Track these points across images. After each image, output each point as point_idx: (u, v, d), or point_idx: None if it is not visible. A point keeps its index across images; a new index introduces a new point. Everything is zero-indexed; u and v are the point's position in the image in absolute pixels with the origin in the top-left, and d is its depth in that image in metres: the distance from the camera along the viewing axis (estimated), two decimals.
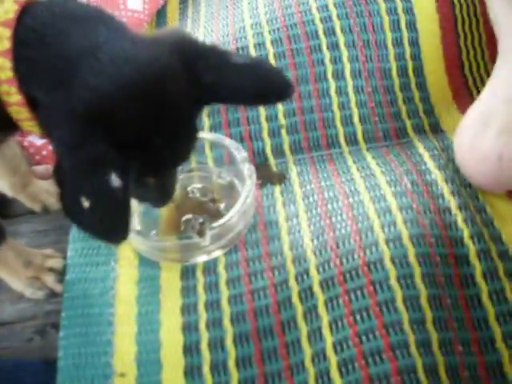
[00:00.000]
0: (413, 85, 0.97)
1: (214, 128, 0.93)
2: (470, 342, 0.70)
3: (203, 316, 0.75)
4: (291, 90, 0.64)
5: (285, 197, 0.87)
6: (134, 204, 0.84)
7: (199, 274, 0.79)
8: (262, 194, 0.88)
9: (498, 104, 0.83)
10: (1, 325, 0.81)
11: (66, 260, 0.83)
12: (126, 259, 0.82)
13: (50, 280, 0.82)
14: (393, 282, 0.71)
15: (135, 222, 0.84)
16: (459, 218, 0.79)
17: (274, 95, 0.65)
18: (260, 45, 0.98)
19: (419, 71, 0.98)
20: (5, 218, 0.93)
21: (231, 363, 0.71)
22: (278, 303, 0.75)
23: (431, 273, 0.73)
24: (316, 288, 0.74)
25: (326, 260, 0.76)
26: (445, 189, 0.83)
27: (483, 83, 0.94)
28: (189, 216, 0.83)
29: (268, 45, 0.97)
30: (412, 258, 0.73)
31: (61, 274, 0.82)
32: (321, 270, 0.75)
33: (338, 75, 0.96)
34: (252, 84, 0.63)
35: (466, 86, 1.01)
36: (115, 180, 0.55)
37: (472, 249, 0.76)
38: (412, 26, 0.98)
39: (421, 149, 0.91)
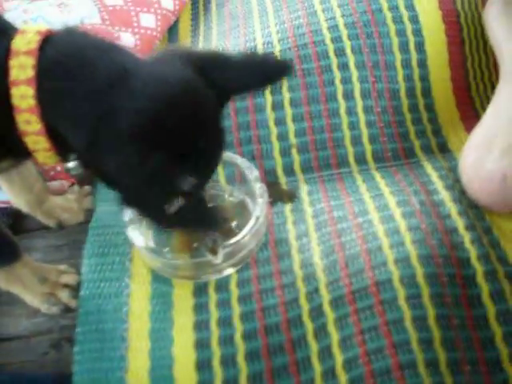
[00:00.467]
0: (421, 106, 0.99)
1: (225, 146, 0.94)
2: (478, 362, 0.71)
3: (215, 333, 0.77)
4: (290, 64, 0.70)
5: (295, 215, 0.88)
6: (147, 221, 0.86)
7: (211, 291, 0.81)
8: (272, 212, 0.89)
9: (501, 125, 0.85)
10: (17, 339, 0.83)
11: (81, 276, 0.85)
12: (139, 275, 0.84)
13: (64, 296, 0.83)
14: (401, 302, 0.73)
15: (148, 239, 0.86)
16: (466, 239, 0.80)
17: (277, 73, 0.68)
18: None
19: (427, 92, 0.99)
20: (20, 232, 0.95)
21: (243, 380, 0.73)
22: (289, 321, 0.76)
23: (439, 293, 0.74)
24: (326, 307, 0.75)
25: (336, 279, 0.77)
26: (452, 209, 0.84)
27: None
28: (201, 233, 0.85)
29: None
30: (420, 279, 0.75)
31: (75, 289, 0.84)
32: (330, 289, 0.77)
33: (348, 95, 0.98)
34: (256, 71, 0.67)
35: (473, 107, 1.02)
36: (189, 180, 0.60)
37: (479, 270, 0.77)
38: (420, 47, 1.00)
39: (429, 169, 0.93)
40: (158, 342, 0.77)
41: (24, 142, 0.63)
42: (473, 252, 0.79)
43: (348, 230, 0.83)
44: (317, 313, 0.76)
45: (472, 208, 0.86)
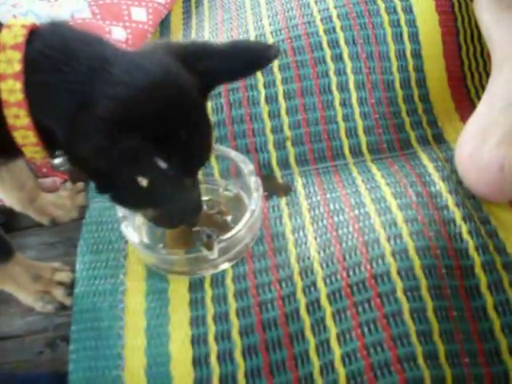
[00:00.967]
0: (416, 96, 0.99)
1: (219, 140, 0.94)
2: (477, 354, 0.70)
3: (212, 328, 0.76)
4: (274, 48, 0.68)
5: (291, 209, 0.88)
6: (141, 217, 0.85)
7: (207, 286, 0.80)
8: (268, 206, 0.88)
9: (496, 115, 0.85)
10: (11, 338, 0.82)
11: (75, 273, 0.84)
12: (134, 272, 0.83)
13: (59, 294, 0.82)
14: (399, 294, 0.72)
15: (143, 235, 0.85)
16: (464, 230, 0.80)
17: (262, 59, 0.68)
18: None
19: (422, 83, 0.99)
20: (13, 230, 0.94)
21: (240, 375, 0.72)
22: (286, 315, 0.75)
23: (437, 285, 0.74)
24: (323, 300, 0.75)
25: (333, 272, 0.77)
26: (449, 200, 0.84)
27: None
28: (196, 228, 0.84)
29: None
30: (418, 271, 0.74)
31: (70, 287, 0.83)
32: (328, 282, 0.76)
33: (343, 87, 0.97)
34: (239, 57, 0.68)
35: (469, 96, 1.02)
36: (161, 163, 0.59)
37: (477, 260, 0.77)
38: (415, 38, 0.99)
39: (425, 160, 0.92)
40: (154, 339, 0.76)
41: (13, 137, 0.63)
42: (471, 243, 0.78)
43: (345, 222, 0.83)
44: (314, 307, 0.75)
45: (469, 198, 0.85)
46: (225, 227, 0.83)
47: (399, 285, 0.73)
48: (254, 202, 0.82)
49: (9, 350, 0.82)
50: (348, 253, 0.78)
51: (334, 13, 1.01)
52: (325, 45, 0.99)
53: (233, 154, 0.89)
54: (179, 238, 0.83)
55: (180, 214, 0.73)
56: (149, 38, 1.12)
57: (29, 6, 1.04)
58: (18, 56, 0.60)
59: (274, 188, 0.91)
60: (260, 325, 0.75)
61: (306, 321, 0.74)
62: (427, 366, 0.67)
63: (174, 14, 1.21)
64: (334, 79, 0.97)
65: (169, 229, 0.83)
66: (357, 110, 0.96)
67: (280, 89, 0.97)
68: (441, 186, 0.86)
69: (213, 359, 0.73)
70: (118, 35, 1.06)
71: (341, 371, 0.69)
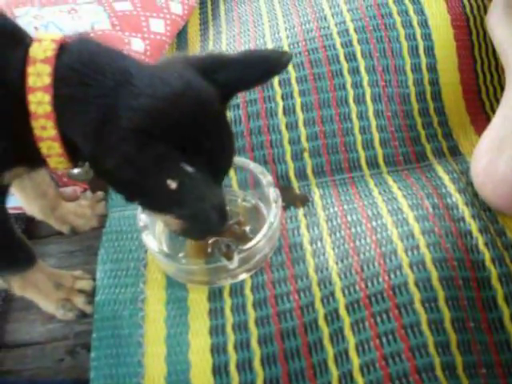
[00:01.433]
0: (431, 110, 1.00)
1: (238, 151, 0.95)
2: (494, 365, 0.71)
3: (231, 337, 0.77)
4: (287, 54, 0.71)
5: (308, 219, 0.89)
6: (161, 226, 0.87)
7: (226, 295, 0.81)
8: (286, 217, 0.90)
9: (510, 128, 0.85)
10: (32, 345, 0.83)
11: (96, 281, 0.85)
12: (154, 281, 0.84)
13: (80, 301, 0.83)
14: (417, 305, 0.73)
15: (163, 245, 0.86)
16: (480, 242, 0.80)
17: (276, 65, 0.71)
18: None
19: (437, 96, 1.00)
20: (33, 238, 0.95)
21: None
22: (305, 325, 0.76)
23: (454, 296, 0.74)
24: (342, 311, 0.76)
25: (352, 283, 0.77)
26: (465, 212, 0.84)
27: None
28: (215, 238, 0.85)
29: (290, 69, 0.99)
30: (435, 282, 0.75)
31: (91, 295, 0.84)
32: (346, 292, 0.77)
33: (359, 100, 0.98)
34: (255, 66, 0.70)
35: (483, 110, 1.03)
36: (188, 167, 0.60)
37: (493, 272, 0.78)
38: (430, 52, 1.01)
39: (440, 172, 0.93)
40: (174, 347, 0.77)
41: (38, 148, 0.65)
42: (487, 255, 0.79)
43: (362, 233, 0.84)
44: (333, 317, 0.76)
45: (485, 211, 0.86)
46: (243, 238, 0.84)
47: (417, 296, 0.74)
48: (273, 213, 0.82)
49: (29, 357, 0.83)
50: (366, 264, 0.79)
51: (351, 26, 1.02)
52: (342, 58, 1.00)
53: (252, 165, 0.90)
54: (200, 248, 0.84)
55: (207, 223, 0.74)
56: (166, 49, 1.13)
57: (50, 18, 1.05)
58: (47, 70, 0.63)
59: (291, 199, 0.92)
60: (279, 334, 0.76)
61: (325, 331, 0.75)
62: (445, 376, 0.68)
63: (190, 25, 1.22)
64: (350, 92, 0.99)
65: (197, 240, 0.84)
66: (373, 122, 0.98)
67: (298, 101, 0.98)
68: (457, 198, 0.87)
69: (232, 368, 0.74)
70: (136, 46, 1.07)
71: (359, 381, 0.70)
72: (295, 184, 0.95)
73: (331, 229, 0.86)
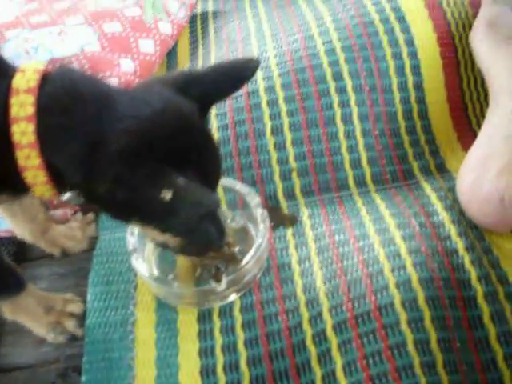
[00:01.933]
0: (418, 128, 1.01)
1: (227, 171, 0.96)
2: None
3: (220, 359, 0.78)
4: (254, 60, 0.74)
5: (297, 239, 0.89)
6: (150, 249, 0.87)
7: (215, 317, 0.82)
8: (274, 237, 0.90)
9: (495, 146, 0.86)
10: (23, 368, 0.84)
11: (86, 304, 0.86)
12: (144, 303, 0.85)
13: (70, 325, 0.84)
14: (403, 325, 0.74)
15: (152, 267, 0.87)
16: (466, 260, 0.81)
17: (244, 72, 0.73)
18: (270, 89, 1.01)
19: (424, 114, 1.01)
20: (24, 261, 0.96)
21: None
22: (293, 346, 0.77)
23: (440, 316, 0.75)
24: (329, 332, 0.76)
25: (339, 304, 0.78)
26: (452, 230, 0.85)
27: None
28: (206, 260, 0.85)
29: (278, 89, 1.00)
30: (422, 302, 0.75)
31: (81, 318, 0.84)
32: (333, 313, 0.78)
33: (346, 119, 0.99)
34: (226, 75, 0.73)
35: (470, 126, 1.04)
36: (180, 179, 0.61)
37: (479, 291, 0.78)
38: (416, 70, 1.02)
39: (428, 190, 0.94)
40: (164, 370, 0.78)
41: (22, 177, 0.65)
42: (473, 273, 0.80)
43: (349, 253, 0.84)
44: (320, 338, 0.76)
45: (472, 228, 0.86)
46: (232, 259, 0.85)
47: (403, 316, 0.74)
48: (261, 234, 0.83)
49: (21, 380, 0.83)
50: (353, 284, 0.80)
51: (338, 45, 1.03)
52: (329, 77, 1.01)
53: (238, 186, 0.91)
54: (189, 270, 0.85)
55: (206, 237, 0.75)
56: (156, 69, 1.14)
57: (40, 40, 1.06)
58: (30, 100, 0.63)
59: (280, 219, 0.93)
60: (267, 355, 0.77)
61: (313, 352, 0.76)
62: None
63: (180, 44, 1.23)
64: (338, 111, 0.99)
65: (198, 257, 0.84)
66: (361, 141, 0.98)
67: (285, 121, 0.99)
68: (443, 216, 0.88)
69: None
70: (126, 67, 1.08)
71: None
72: (284, 204, 0.96)
73: (319, 248, 0.87)
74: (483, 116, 1.03)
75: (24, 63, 0.68)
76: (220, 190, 0.94)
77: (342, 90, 1.00)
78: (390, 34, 1.04)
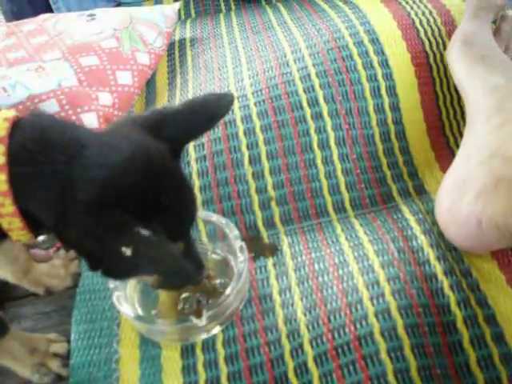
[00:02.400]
0: (396, 149, 1.01)
1: (206, 203, 0.97)
2: None
3: None
4: (227, 96, 0.74)
5: (277, 269, 0.90)
6: (132, 285, 0.88)
7: (198, 351, 0.82)
8: (255, 267, 0.91)
9: (472, 169, 0.85)
10: None
11: (70, 343, 0.86)
12: (127, 339, 0.85)
13: (55, 365, 0.84)
14: (383, 355, 0.74)
15: (135, 304, 0.87)
16: (445, 285, 0.81)
17: (217, 109, 0.73)
18: (247, 117, 1.02)
19: (401, 135, 1.02)
20: (8, 300, 0.96)
21: None
22: (276, 379, 0.77)
23: (420, 343, 0.75)
24: (310, 363, 0.77)
25: (319, 335, 0.78)
26: (430, 254, 0.85)
27: None
28: (186, 294, 0.86)
29: (254, 117, 1.01)
30: (401, 330, 0.76)
31: (66, 358, 0.85)
32: (314, 344, 0.78)
33: (324, 145, 1.00)
34: (199, 113, 0.72)
35: (448, 145, 1.05)
36: (143, 231, 0.61)
37: (459, 315, 0.79)
38: (392, 91, 1.02)
39: (406, 213, 0.94)
40: None
41: None
42: (452, 297, 0.80)
43: (329, 283, 0.85)
44: (302, 370, 0.77)
45: (451, 251, 0.87)
46: (213, 292, 0.85)
47: (382, 346, 0.75)
48: (241, 267, 0.83)
49: None
50: (333, 314, 0.80)
51: (313, 71, 1.04)
52: (304, 103, 1.02)
53: (215, 217, 0.91)
54: (171, 305, 0.85)
55: (184, 274, 0.75)
56: (135, 100, 1.15)
57: (17, 77, 1.06)
58: (1, 149, 0.63)
59: (260, 249, 0.93)
60: None
61: None
62: None
63: (159, 73, 1.24)
64: (314, 137, 1.00)
65: (175, 291, 0.85)
66: (338, 166, 0.99)
67: (263, 149, 0.99)
68: (422, 240, 0.88)
69: None
70: (104, 100, 1.09)
71: None
72: (264, 233, 0.96)
73: (299, 278, 0.87)
74: (460, 134, 1.04)
75: None
76: (200, 222, 0.94)
77: (318, 116, 1.01)
78: (364, 56, 1.04)
